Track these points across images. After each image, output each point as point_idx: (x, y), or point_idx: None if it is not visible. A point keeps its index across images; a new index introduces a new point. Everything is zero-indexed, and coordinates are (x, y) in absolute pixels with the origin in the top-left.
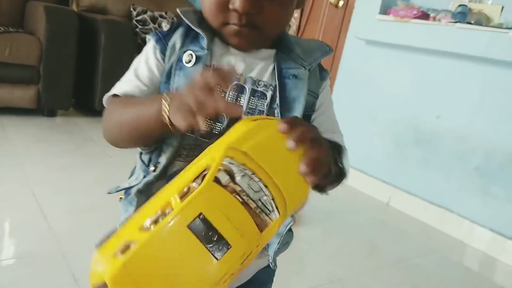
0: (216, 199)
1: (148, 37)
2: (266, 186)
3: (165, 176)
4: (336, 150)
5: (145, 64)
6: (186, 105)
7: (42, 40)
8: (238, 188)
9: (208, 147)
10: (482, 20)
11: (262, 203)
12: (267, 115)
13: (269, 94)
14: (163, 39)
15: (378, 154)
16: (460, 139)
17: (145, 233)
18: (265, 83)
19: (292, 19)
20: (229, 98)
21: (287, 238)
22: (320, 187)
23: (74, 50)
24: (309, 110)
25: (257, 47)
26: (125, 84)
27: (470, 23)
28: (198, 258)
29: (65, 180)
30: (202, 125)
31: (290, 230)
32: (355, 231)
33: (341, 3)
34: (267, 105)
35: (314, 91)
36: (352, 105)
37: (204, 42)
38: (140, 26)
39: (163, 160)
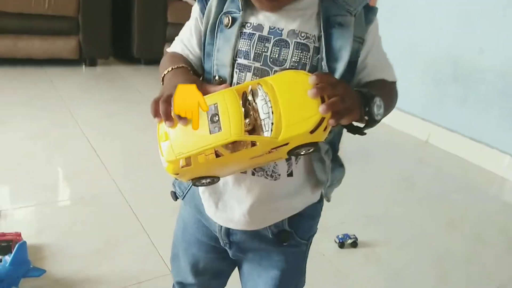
0: (229, 100)
1: None
2: (272, 113)
3: None
4: (368, 97)
5: (188, 26)
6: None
7: None
8: (255, 106)
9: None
10: None
11: (264, 123)
12: (312, 65)
13: (311, 46)
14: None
15: (416, 92)
16: (501, 74)
17: None
18: (307, 34)
19: None
20: (274, 53)
21: (338, 175)
22: (354, 129)
23: None
24: (354, 56)
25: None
26: (175, 42)
27: None
28: (201, 126)
29: (113, 125)
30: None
31: (342, 166)
32: (393, 168)
33: None
34: (310, 58)
35: (360, 36)
36: (391, 43)
37: (240, 3)
38: None
39: None
